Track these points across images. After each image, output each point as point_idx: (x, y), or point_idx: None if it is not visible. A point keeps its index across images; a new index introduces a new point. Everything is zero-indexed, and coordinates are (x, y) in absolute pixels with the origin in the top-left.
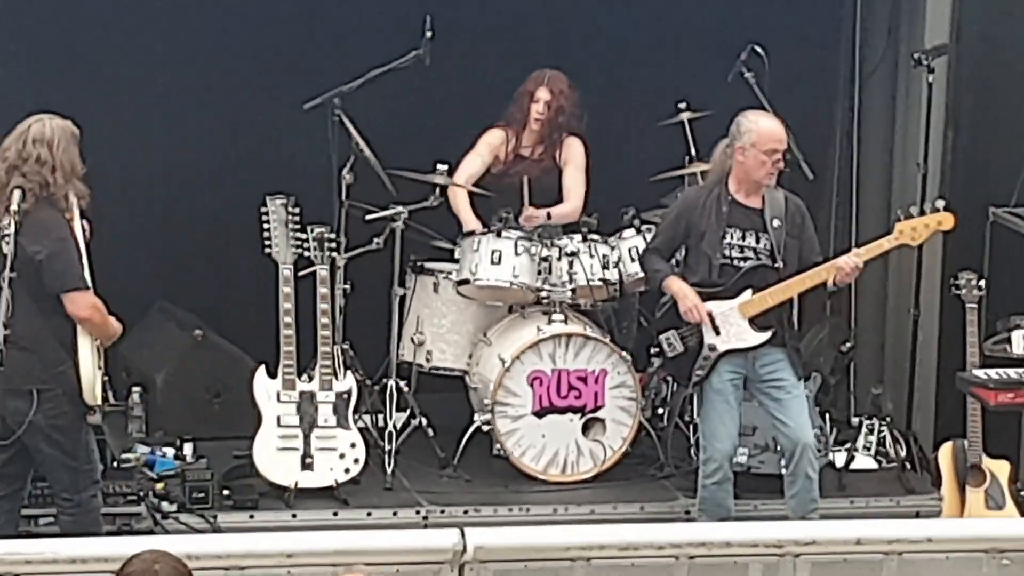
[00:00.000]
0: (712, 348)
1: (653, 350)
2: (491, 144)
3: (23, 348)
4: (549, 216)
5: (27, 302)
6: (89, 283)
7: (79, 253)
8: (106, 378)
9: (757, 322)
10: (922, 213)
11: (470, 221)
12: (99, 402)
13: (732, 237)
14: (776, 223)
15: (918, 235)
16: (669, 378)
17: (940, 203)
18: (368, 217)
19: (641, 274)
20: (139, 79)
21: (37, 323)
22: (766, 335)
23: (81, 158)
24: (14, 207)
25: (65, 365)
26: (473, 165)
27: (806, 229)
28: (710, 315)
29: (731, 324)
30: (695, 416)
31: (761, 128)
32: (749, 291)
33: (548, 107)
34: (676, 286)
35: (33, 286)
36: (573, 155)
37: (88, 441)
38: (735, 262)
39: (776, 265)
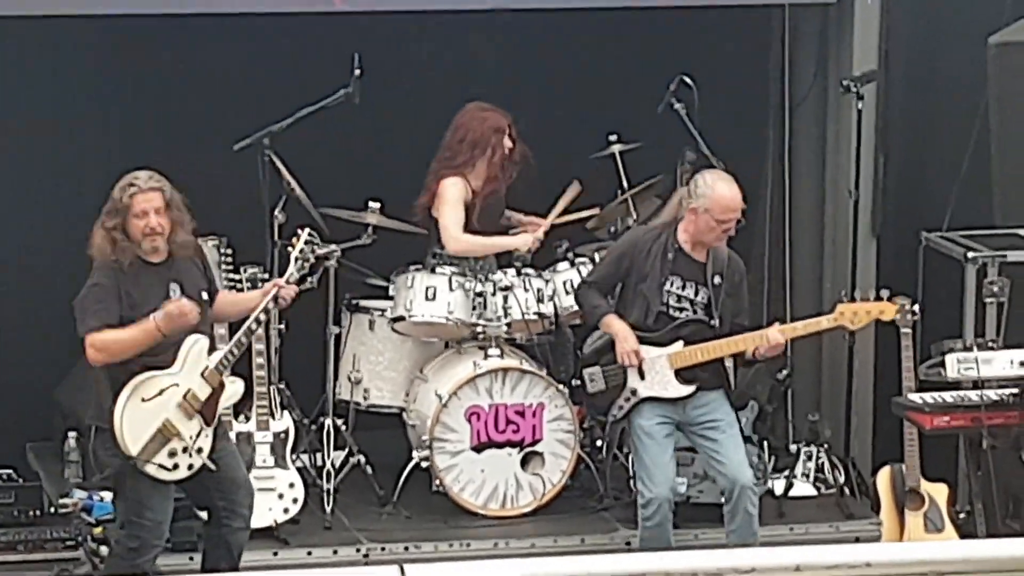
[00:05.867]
0: (633, 392)
1: (575, 382)
2: (462, 193)
3: (92, 384)
4: None
5: None
6: (93, 326)
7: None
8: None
9: (682, 374)
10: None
11: (515, 241)
12: (133, 454)
13: (672, 285)
14: (717, 279)
15: (858, 320)
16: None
17: (885, 292)
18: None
19: (576, 307)
20: (69, 124)
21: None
22: (689, 388)
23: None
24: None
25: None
26: (461, 215)
27: (741, 289)
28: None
29: (656, 372)
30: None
31: (716, 195)
32: (680, 343)
33: (512, 140)
34: (617, 326)
35: None
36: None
37: (138, 489)
38: (671, 311)
39: (712, 322)
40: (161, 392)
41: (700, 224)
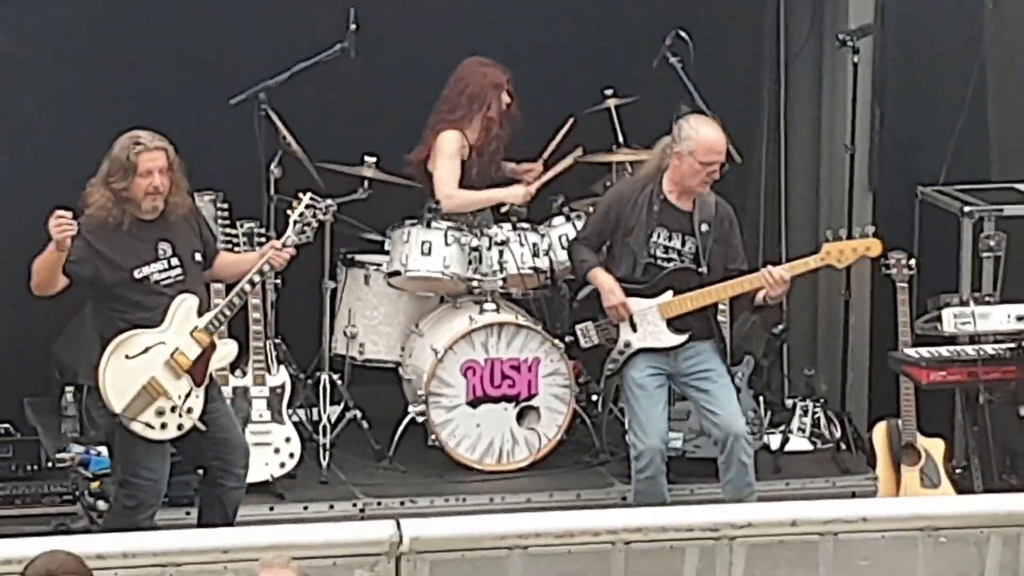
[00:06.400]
0: (627, 345)
1: (568, 339)
2: (459, 147)
3: (85, 343)
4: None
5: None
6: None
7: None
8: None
9: (675, 324)
10: (850, 232)
11: (508, 193)
12: (117, 411)
13: (659, 236)
14: (704, 227)
15: (845, 258)
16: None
17: (870, 229)
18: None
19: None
20: (63, 77)
21: (88, 320)
22: (682, 337)
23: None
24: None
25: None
26: (456, 170)
27: (732, 236)
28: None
29: (648, 323)
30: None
31: (700, 137)
32: (670, 292)
33: (510, 96)
34: (603, 279)
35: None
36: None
37: (132, 449)
38: (659, 262)
39: (700, 270)
40: (146, 350)
41: (684, 168)
